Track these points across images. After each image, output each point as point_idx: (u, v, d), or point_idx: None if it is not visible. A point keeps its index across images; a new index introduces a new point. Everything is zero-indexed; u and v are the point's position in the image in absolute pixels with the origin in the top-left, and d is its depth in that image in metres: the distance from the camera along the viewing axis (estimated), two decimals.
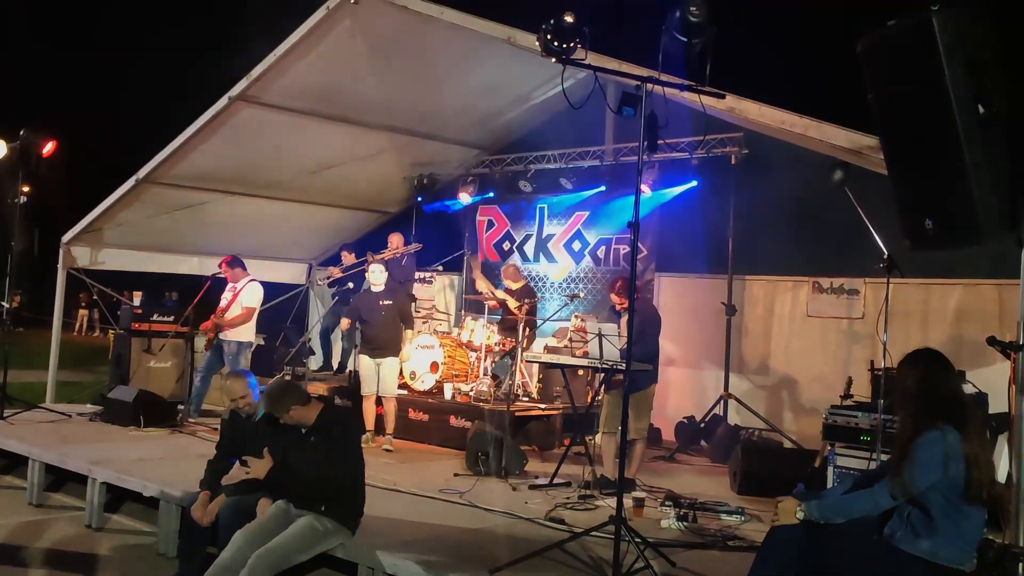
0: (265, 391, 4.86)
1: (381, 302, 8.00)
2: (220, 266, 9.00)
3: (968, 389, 5.67)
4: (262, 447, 4.96)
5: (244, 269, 8.98)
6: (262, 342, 10.89)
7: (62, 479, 7.10)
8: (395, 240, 10.40)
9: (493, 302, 9.56)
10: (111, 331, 11.87)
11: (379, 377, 8.00)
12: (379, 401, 8.11)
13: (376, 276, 8.07)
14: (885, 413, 5.46)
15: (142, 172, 9.83)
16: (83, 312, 26.85)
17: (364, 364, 8.12)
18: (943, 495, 3.42)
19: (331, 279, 10.61)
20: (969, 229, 3.61)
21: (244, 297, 8.78)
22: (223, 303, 8.89)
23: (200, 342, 11.57)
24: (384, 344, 8.05)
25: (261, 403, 5.18)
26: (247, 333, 8.83)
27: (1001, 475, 4.03)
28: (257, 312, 8.97)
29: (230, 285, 8.93)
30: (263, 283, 9.31)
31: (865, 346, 8.08)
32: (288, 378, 8.99)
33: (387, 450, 7.84)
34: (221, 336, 8.70)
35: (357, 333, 10.58)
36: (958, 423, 3.46)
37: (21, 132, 8.82)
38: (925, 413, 3.51)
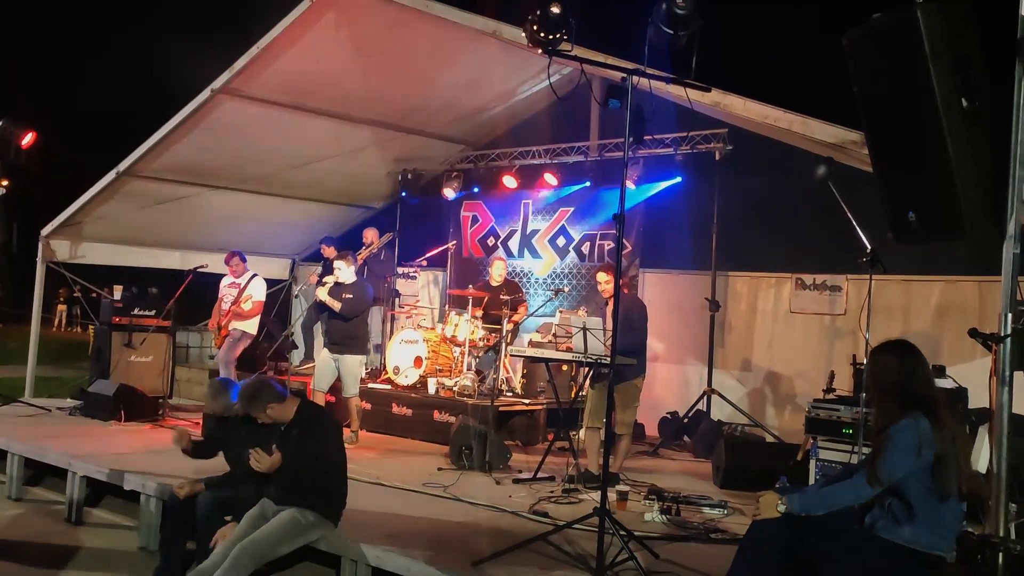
0: (240, 392, 4.83)
1: (343, 295, 7.84)
2: (229, 262, 9.04)
3: (948, 384, 5.73)
4: (243, 445, 4.96)
5: (245, 263, 9.09)
6: None
7: (41, 473, 7.05)
8: (370, 235, 10.41)
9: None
10: (91, 326, 11.76)
11: (340, 375, 7.86)
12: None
13: (343, 274, 7.87)
14: (867, 407, 5.49)
15: (123, 165, 9.75)
16: (62, 307, 26.62)
17: (321, 358, 7.99)
18: (921, 482, 3.44)
19: (312, 283, 10.57)
20: (952, 222, 3.64)
21: (255, 291, 8.95)
22: (228, 296, 8.96)
23: (187, 337, 11.54)
24: (341, 340, 7.83)
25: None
26: (252, 324, 8.98)
27: (983, 466, 4.07)
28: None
29: (230, 280, 8.99)
30: None
31: (847, 342, 8.14)
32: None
33: None
34: (230, 326, 8.80)
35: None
36: (931, 414, 3.48)
37: None
38: (900, 403, 3.53)
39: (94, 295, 11.52)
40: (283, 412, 4.71)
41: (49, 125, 10.97)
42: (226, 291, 9.07)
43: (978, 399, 5.60)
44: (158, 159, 9.76)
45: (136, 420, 8.45)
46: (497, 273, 9.41)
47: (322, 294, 7.89)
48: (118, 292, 9.85)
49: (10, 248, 9.38)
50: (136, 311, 9.50)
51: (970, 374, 5.95)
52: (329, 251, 10.56)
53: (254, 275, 9.12)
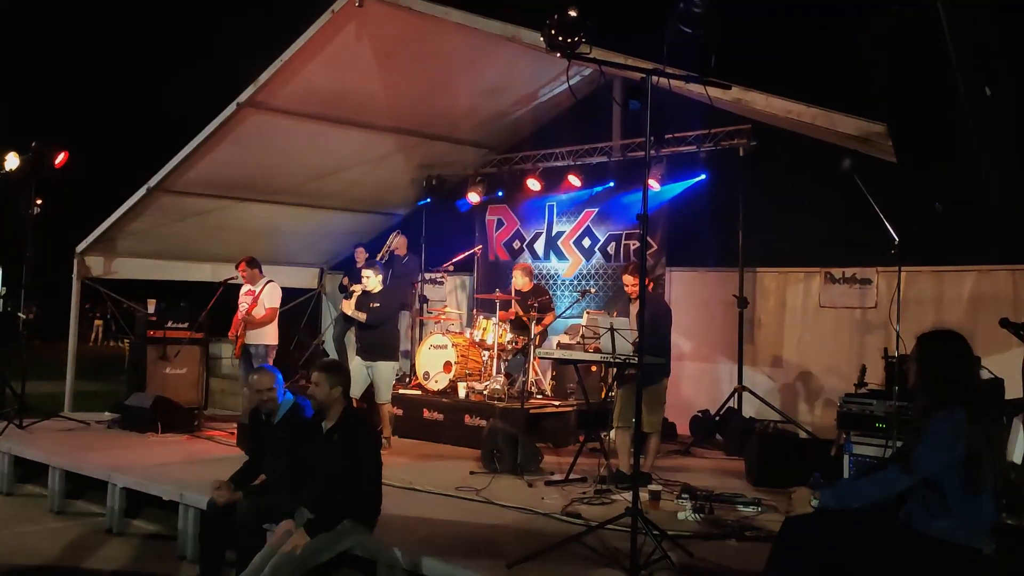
0: (326, 360, 4.92)
1: (371, 304, 7.94)
2: (238, 268, 8.95)
3: (984, 375, 5.65)
4: (280, 450, 5.04)
5: (261, 271, 9.02)
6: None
7: (82, 486, 7.17)
8: (392, 239, 10.47)
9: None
10: (126, 340, 11.93)
11: (373, 382, 7.96)
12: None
13: (371, 283, 7.99)
14: (900, 400, 5.44)
15: (153, 181, 9.90)
16: (99, 322, 27.03)
17: (353, 365, 8.02)
18: (955, 475, 3.41)
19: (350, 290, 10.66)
20: (977, 212, 3.62)
21: (266, 298, 8.80)
22: (242, 305, 8.87)
23: (219, 348, 11.64)
24: (374, 347, 7.94)
25: (282, 404, 5.26)
26: (271, 335, 8.85)
27: (1018, 458, 4.02)
28: (278, 312, 9.01)
29: (247, 288, 8.92)
30: None
31: (879, 335, 8.05)
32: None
33: None
34: (247, 340, 8.71)
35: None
36: (969, 408, 3.44)
37: (33, 144, 8.89)
38: (942, 394, 3.49)
39: (127, 306, 11.67)
40: (336, 405, 4.76)
41: (81, 142, 11.13)
42: (243, 298, 8.95)
43: (1016, 390, 5.52)
44: (187, 174, 9.90)
45: (173, 431, 8.58)
46: (519, 282, 9.37)
47: (347, 308, 7.98)
48: (152, 306, 9.99)
49: (44, 266, 9.51)
50: (170, 324, 9.62)
51: (1006, 365, 5.85)
52: (362, 255, 10.69)
53: (268, 281, 8.97)
